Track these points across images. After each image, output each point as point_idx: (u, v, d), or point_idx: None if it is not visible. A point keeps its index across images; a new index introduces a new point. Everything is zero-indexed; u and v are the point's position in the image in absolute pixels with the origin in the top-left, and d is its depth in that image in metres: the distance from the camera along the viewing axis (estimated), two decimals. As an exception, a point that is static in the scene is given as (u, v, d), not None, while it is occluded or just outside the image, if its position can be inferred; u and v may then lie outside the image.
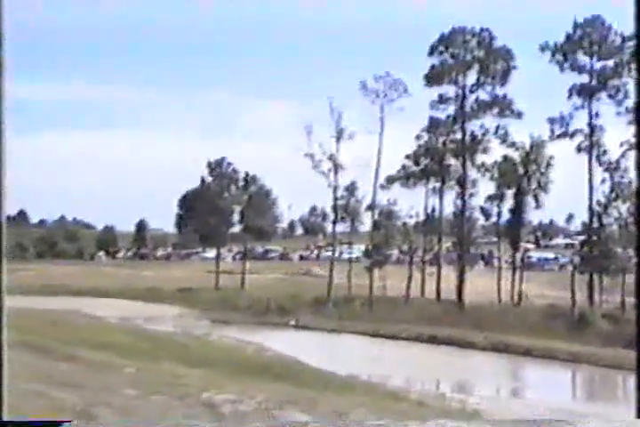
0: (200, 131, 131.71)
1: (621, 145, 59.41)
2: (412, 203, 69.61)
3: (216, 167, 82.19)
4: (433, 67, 64.85)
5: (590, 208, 62.42)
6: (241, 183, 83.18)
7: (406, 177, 66.73)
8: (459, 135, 65.85)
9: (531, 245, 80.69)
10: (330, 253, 74.62)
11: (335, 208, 72.22)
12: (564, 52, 60.72)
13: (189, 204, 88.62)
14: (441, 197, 67.08)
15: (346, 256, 74.44)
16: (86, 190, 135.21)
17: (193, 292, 72.39)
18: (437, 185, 66.91)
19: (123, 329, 38.36)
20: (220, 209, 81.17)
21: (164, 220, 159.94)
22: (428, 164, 66.40)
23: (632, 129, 50.03)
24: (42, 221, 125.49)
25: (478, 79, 64.94)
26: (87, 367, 22.72)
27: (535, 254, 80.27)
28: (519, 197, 64.89)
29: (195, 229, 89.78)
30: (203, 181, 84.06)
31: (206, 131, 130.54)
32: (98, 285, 76.55)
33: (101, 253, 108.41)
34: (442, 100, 65.32)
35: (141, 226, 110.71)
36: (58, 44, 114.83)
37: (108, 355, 25.76)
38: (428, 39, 64.80)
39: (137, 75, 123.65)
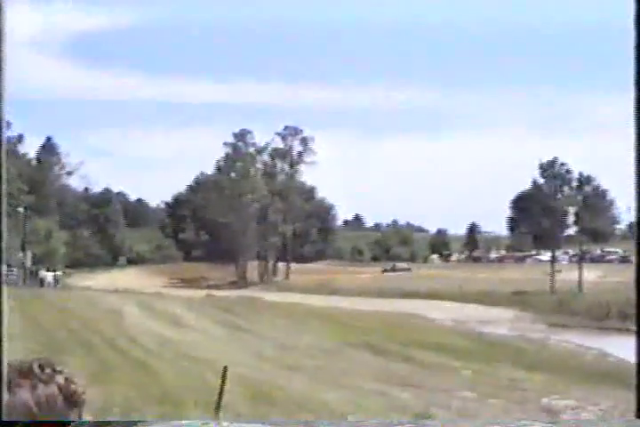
0: (529, 131, 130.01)
1: None
2: None
3: (548, 168, 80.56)
4: None
5: None
6: (575, 184, 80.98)
7: None
8: None
9: None
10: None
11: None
12: None
13: (522, 206, 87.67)
14: None
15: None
16: (420, 195, 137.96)
17: (528, 295, 71.26)
18: None
19: (457, 332, 38.38)
20: (553, 211, 79.47)
21: (495, 222, 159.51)
22: None
23: None
24: (376, 225, 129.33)
25: None
26: (424, 369, 22.85)
27: None
28: None
29: (528, 231, 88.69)
30: (535, 182, 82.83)
31: (536, 130, 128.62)
32: (431, 287, 77.41)
33: (435, 256, 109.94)
34: None
35: (473, 229, 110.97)
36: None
37: (443, 357, 25.79)
38: None
39: (459, 77, 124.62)
